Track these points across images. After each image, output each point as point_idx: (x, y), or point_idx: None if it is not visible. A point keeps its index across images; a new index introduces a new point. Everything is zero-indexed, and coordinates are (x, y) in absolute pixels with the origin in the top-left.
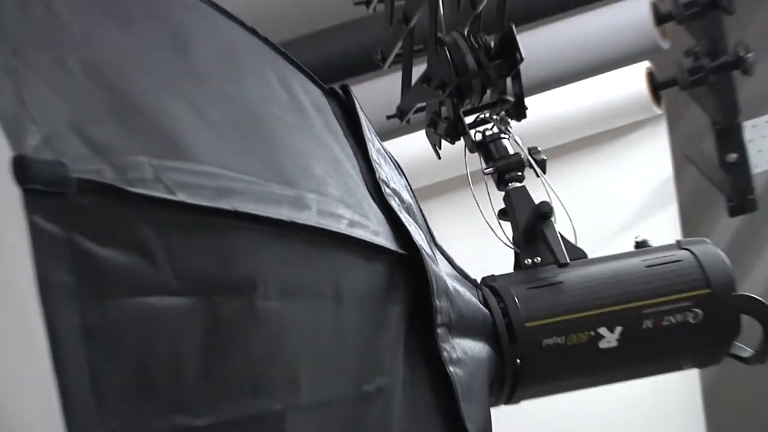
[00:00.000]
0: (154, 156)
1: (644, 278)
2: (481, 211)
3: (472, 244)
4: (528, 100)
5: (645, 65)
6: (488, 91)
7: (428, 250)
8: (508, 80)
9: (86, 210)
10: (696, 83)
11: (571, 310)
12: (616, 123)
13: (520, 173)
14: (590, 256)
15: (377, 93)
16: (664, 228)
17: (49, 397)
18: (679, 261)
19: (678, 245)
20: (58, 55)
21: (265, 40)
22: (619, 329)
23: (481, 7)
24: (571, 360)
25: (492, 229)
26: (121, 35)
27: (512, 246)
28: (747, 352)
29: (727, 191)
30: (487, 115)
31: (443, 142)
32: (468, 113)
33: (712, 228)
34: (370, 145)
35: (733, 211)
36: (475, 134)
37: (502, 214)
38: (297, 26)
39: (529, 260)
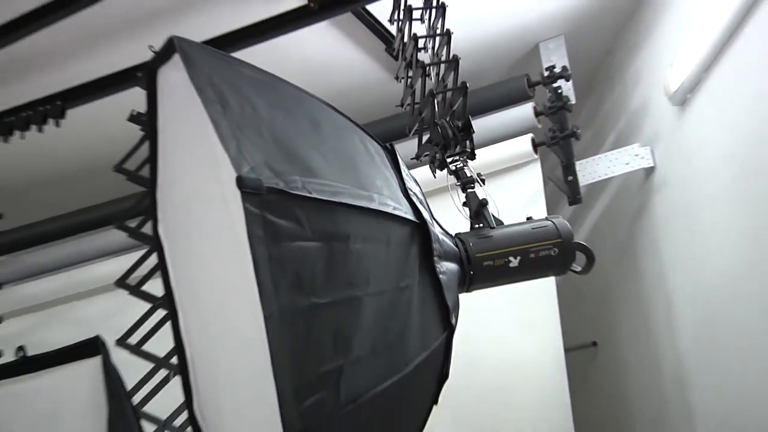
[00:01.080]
0: (301, 176)
1: (530, 234)
2: (455, 204)
3: (451, 219)
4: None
5: (530, 135)
6: (458, 147)
7: (430, 221)
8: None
9: (270, 201)
10: (554, 144)
11: (496, 248)
12: (515, 162)
13: (472, 185)
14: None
15: (405, 148)
16: (537, 212)
17: (253, 291)
18: (546, 225)
19: (546, 219)
20: (257, 130)
21: (350, 119)
22: (519, 258)
23: (454, 108)
24: (497, 272)
25: (460, 211)
26: (287, 119)
27: (469, 219)
28: (578, 268)
29: (568, 194)
30: (457, 158)
31: (437, 171)
32: (448, 157)
33: (561, 211)
34: (403, 173)
35: (570, 204)
36: (451, 166)
37: (464, 204)
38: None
39: (477, 226)
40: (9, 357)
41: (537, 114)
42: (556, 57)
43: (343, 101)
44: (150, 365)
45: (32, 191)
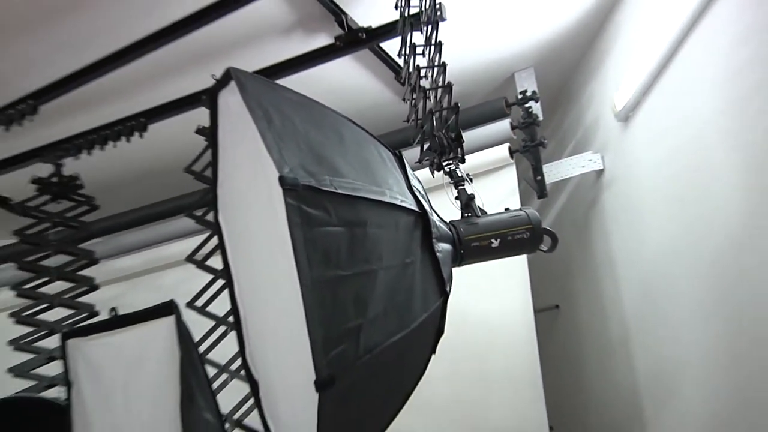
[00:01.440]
0: (329, 176)
1: (508, 221)
2: (449, 197)
3: (446, 209)
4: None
5: (507, 144)
6: (451, 153)
7: (430, 211)
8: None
9: (305, 195)
10: (526, 151)
11: (481, 232)
12: (495, 165)
13: (462, 183)
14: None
15: (410, 154)
16: (513, 204)
17: (291, 265)
18: (520, 215)
19: (520, 209)
20: (295, 140)
21: (367, 131)
22: (499, 240)
23: (449, 123)
24: (482, 251)
25: (453, 203)
26: (318, 132)
27: (460, 209)
28: (545, 248)
29: (537, 190)
30: (451, 161)
31: (435, 172)
32: (444, 161)
33: (532, 204)
34: (408, 173)
35: (539, 197)
36: (446, 168)
37: (456, 198)
38: (374, 130)
39: (466, 215)
40: (104, 315)
41: (513, 128)
42: (527, 84)
43: (361, 117)
44: (212, 322)
45: (122, 187)
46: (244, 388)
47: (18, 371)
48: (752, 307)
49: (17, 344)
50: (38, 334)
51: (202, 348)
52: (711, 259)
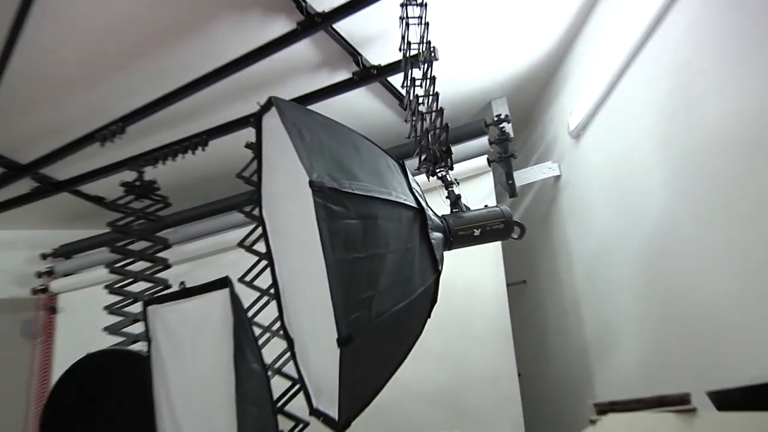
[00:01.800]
0: (348, 180)
1: (486, 215)
2: (441, 197)
3: (438, 206)
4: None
5: (486, 156)
6: (443, 162)
7: (426, 207)
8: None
9: (329, 195)
10: (500, 161)
11: (466, 224)
12: (477, 172)
13: (451, 186)
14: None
15: (411, 163)
16: (490, 202)
17: (318, 249)
18: (496, 210)
19: (496, 206)
20: (321, 152)
21: (377, 145)
22: (479, 229)
23: (440, 139)
24: (466, 239)
25: (443, 201)
26: (339, 146)
27: (449, 206)
28: (516, 236)
29: (509, 192)
30: (442, 169)
31: (430, 177)
32: (437, 169)
33: (505, 202)
34: (409, 178)
35: (510, 197)
36: (438, 174)
37: (446, 197)
38: (383, 144)
39: (454, 210)
40: (175, 287)
41: (490, 143)
42: (501, 109)
43: (372, 134)
44: (257, 294)
45: (188, 189)
46: (282, 345)
47: (111, 330)
48: (668, 278)
49: (110, 309)
50: (126, 302)
51: (250, 313)
52: (639, 242)
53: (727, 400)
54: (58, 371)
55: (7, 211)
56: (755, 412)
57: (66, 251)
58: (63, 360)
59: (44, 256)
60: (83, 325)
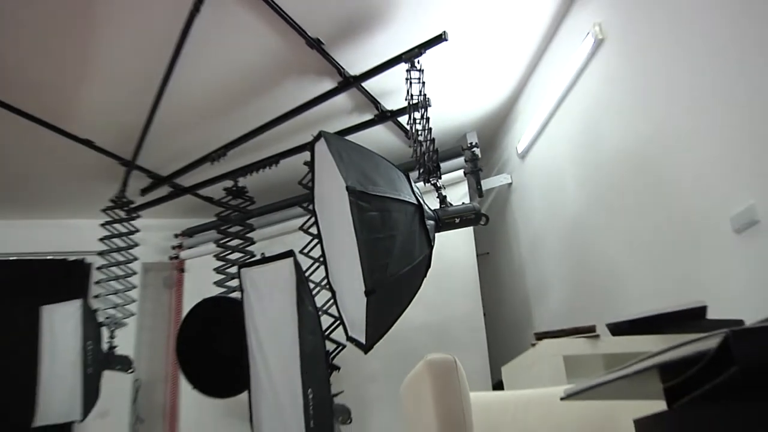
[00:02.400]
0: (371, 185)
1: (463, 210)
2: (433, 197)
3: (431, 203)
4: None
5: (463, 170)
6: (434, 174)
7: (424, 204)
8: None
9: (359, 196)
10: (471, 173)
11: (450, 215)
12: (456, 180)
13: (440, 189)
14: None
15: (413, 175)
16: (466, 201)
17: (352, 233)
18: (470, 206)
19: (470, 203)
20: (354, 166)
21: (391, 162)
22: (459, 218)
23: (433, 159)
24: (450, 225)
25: (435, 200)
26: (366, 163)
27: (439, 203)
28: (483, 222)
29: (478, 193)
30: (434, 179)
31: (426, 184)
32: (430, 178)
33: (475, 200)
34: (412, 184)
35: (479, 197)
36: (431, 182)
37: (437, 197)
38: (394, 161)
39: (442, 206)
40: (258, 256)
41: (465, 161)
42: (473, 138)
43: (387, 155)
44: (311, 261)
45: (266, 192)
46: (328, 295)
47: (218, 284)
48: (581, 249)
49: (218, 270)
50: (227, 266)
51: (307, 273)
52: (564, 226)
53: (619, 329)
54: (185, 309)
55: (154, 206)
56: (638, 336)
57: (190, 232)
58: (188, 303)
59: (176, 235)
60: (201, 281)
